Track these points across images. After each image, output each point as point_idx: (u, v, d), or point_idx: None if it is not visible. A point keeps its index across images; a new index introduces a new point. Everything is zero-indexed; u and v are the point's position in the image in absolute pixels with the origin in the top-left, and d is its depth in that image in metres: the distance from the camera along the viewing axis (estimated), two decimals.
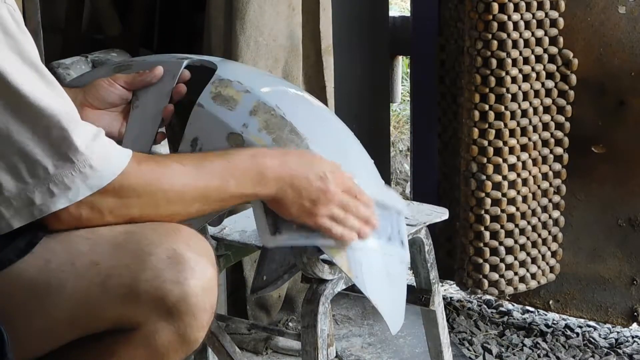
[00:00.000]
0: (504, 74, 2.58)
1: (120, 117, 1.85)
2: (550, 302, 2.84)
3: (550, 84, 2.65)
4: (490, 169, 2.63)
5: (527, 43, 2.59)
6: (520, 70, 2.59)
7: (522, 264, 2.71)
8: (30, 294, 1.50)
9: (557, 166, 2.70)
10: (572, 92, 2.65)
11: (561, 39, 2.63)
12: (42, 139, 1.46)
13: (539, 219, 2.71)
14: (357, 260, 1.75)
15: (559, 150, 2.69)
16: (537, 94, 2.64)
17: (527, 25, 2.58)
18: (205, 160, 1.62)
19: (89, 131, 1.51)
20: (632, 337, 2.90)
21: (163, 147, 2.01)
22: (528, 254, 2.71)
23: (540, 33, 2.60)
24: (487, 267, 2.69)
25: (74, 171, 1.48)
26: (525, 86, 2.61)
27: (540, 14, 2.59)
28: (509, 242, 2.68)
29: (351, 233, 1.74)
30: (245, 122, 1.74)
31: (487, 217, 2.66)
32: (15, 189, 1.47)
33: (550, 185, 2.71)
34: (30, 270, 1.50)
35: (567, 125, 2.67)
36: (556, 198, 2.72)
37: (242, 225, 2.16)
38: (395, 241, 1.85)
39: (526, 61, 2.60)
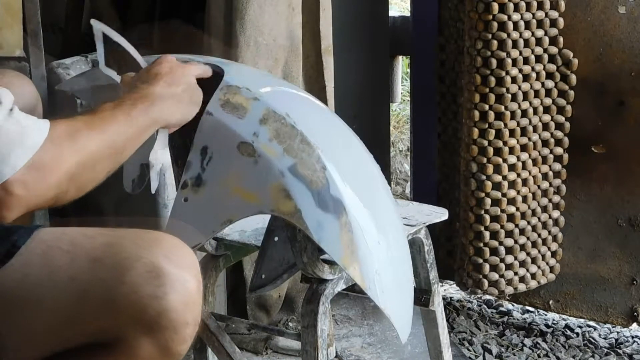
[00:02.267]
0: (504, 74, 2.58)
1: None
2: (550, 302, 2.84)
3: (550, 84, 2.65)
4: (490, 169, 2.63)
5: (527, 43, 2.59)
6: (520, 70, 2.59)
7: (522, 264, 2.71)
8: (8, 309, 1.49)
9: (557, 166, 2.70)
10: (572, 92, 2.65)
11: (561, 39, 2.63)
12: None
13: (539, 219, 2.71)
14: (369, 271, 1.75)
15: (559, 150, 2.69)
16: (537, 94, 2.64)
17: (527, 25, 2.58)
18: (112, 120, 1.61)
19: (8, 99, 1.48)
20: (632, 337, 2.90)
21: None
22: (528, 254, 2.71)
23: (540, 33, 2.60)
24: (487, 267, 2.69)
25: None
26: (525, 86, 2.61)
27: (540, 14, 2.59)
28: (509, 242, 2.68)
29: None
30: (256, 131, 1.74)
31: (487, 217, 2.65)
32: None
33: (550, 185, 2.71)
34: (9, 284, 1.49)
35: (567, 125, 2.67)
36: (556, 198, 2.72)
37: (242, 225, 2.16)
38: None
39: (526, 61, 2.60)
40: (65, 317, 1.48)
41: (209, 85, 1.81)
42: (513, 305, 3.05)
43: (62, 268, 1.49)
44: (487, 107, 2.60)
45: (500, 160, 2.62)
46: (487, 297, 3.06)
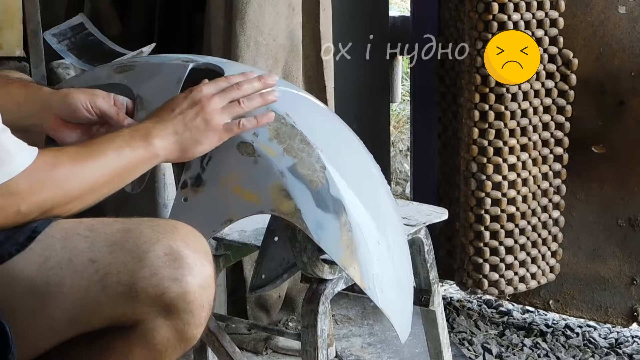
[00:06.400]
0: None
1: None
2: (550, 302, 2.84)
3: (550, 84, 2.65)
4: (490, 169, 2.63)
5: None
6: None
7: (522, 263, 2.71)
8: (29, 292, 1.51)
9: (557, 166, 2.70)
10: (572, 92, 2.65)
11: (561, 39, 2.63)
12: None
13: (539, 219, 2.71)
14: (369, 271, 1.75)
15: (559, 150, 2.69)
16: (537, 94, 2.64)
17: (527, 25, 2.58)
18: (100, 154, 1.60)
19: None
20: (632, 337, 2.90)
21: None
22: (528, 253, 2.71)
23: (540, 33, 2.60)
24: (487, 267, 2.69)
25: None
26: (525, 86, 2.61)
27: (540, 14, 2.59)
28: (509, 242, 2.68)
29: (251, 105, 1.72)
30: (256, 131, 1.74)
31: (487, 217, 2.65)
32: None
33: (550, 185, 2.71)
34: (30, 268, 1.51)
35: (567, 125, 2.67)
36: (556, 198, 2.72)
37: (242, 225, 2.16)
38: None
39: None
40: (85, 300, 1.50)
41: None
42: (513, 305, 3.05)
43: (82, 252, 1.51)
44: (487, 107, 2.60)
45: (500, 160, 2.63)
46: (487, 297, 3.06)
